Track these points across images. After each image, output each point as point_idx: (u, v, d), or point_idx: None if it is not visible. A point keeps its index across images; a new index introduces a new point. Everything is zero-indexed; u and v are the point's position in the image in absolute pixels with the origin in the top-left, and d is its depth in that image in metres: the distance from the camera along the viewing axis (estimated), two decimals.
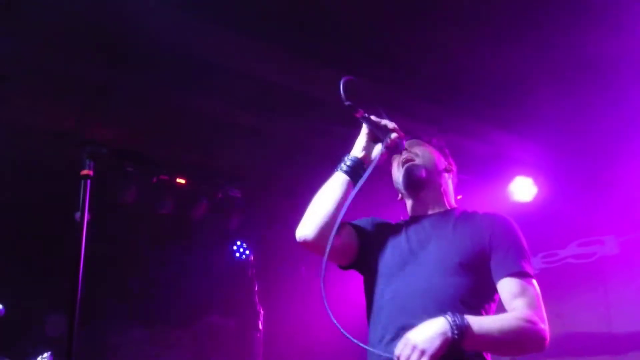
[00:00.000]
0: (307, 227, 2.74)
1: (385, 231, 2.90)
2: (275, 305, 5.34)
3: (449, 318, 2.38)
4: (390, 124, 2.75)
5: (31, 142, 6.03)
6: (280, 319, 5.72)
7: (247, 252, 7.43)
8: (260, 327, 5.01)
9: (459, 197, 3.19)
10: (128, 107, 5.64)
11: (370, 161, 2.76)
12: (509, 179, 6.69)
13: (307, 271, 7.76)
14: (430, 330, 2.36)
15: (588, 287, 6.55)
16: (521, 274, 2.61)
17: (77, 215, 7.07)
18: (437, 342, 2.33)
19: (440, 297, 2.59)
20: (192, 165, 6.64)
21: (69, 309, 2.70)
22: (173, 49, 4.83)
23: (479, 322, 2.43)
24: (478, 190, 6.58)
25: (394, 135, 2.72)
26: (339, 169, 2.80)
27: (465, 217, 2.84)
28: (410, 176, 2.89)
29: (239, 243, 7.51)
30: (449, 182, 3.02)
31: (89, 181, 2.82)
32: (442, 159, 3.00)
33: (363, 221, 2.94)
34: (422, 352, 2.31)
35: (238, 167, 6.62)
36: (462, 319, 2.38)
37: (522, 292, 2.58)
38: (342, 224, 2.75)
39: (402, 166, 2.92)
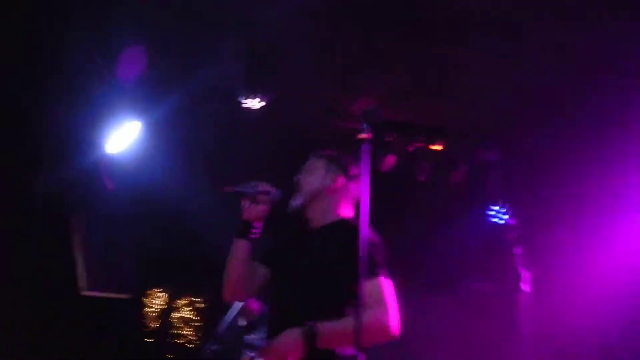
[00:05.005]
0: (225, 293, 3.37)
1: (291, 245, 3.45)
2: (539, 268, 5.22)
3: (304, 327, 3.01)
4: (260, 187, 3.23)
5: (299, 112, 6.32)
6: (547, 282, 5.58)
7: (507, 215, 7.29)
8: (526, 289, 4.92)
9: None
10: (379, 75, 5.76)
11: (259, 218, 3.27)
12: None
13: (566, 233, 7.51)
14: (289, 336, 3.03)
15: None
16: (369, 277, 2.94)
17: None
18: (293, 346, 3.00)
19: (304, 309, 3.13)
20: (449, 130, 6.65)
21: None
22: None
23: (328, 327, 3.01)
24: None
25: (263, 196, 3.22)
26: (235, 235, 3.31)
27: (333, 232, 3.28)
28: (289, 208, 3.40)
29: (497, 207, 7.38)
30: (335, 195, 3.39)
31: (367, 145, 2.81)
32: (329, 175, 3.38)
33: (271, 251, 3.47)
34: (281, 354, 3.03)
35: (495, 127, 6.52)
36: (313, 326, 3.00)
37: (369, 293, 2.95)
38: (255, 267, 3.34)
39: None
